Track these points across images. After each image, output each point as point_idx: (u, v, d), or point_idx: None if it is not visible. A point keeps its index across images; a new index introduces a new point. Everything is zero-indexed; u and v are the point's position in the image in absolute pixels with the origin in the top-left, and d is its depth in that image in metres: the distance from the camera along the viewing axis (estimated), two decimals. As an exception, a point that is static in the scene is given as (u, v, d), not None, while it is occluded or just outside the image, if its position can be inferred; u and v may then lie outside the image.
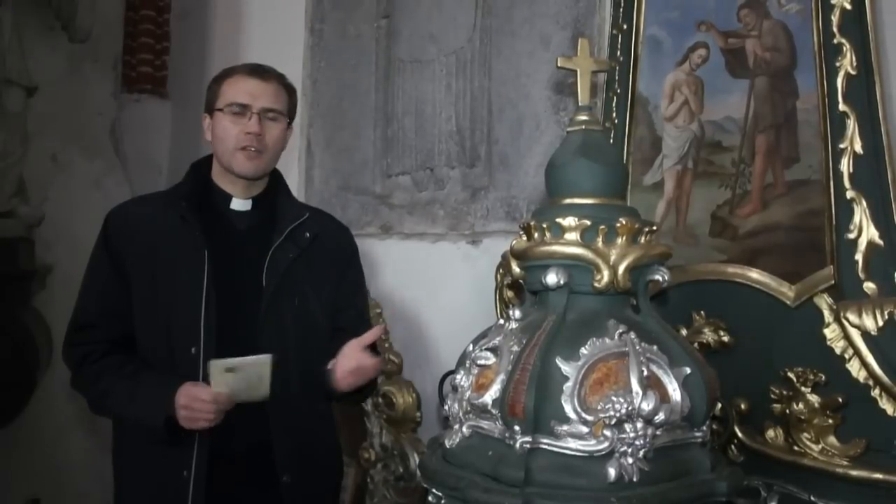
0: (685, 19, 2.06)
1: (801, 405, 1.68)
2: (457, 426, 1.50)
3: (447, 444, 1.51)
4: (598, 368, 1.36)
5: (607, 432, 1.32)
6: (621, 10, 2.19)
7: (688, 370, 1.41)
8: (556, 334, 1.41)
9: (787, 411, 1.70)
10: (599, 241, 1.48)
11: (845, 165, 1.69)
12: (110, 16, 3.50)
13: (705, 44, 2.02)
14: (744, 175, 1.91)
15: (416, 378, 2.58)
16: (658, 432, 1.35)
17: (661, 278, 1.52)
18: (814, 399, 1.67)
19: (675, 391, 1.38)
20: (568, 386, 1.35)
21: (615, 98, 2.18)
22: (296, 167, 3.15)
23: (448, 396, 1.55)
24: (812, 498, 1.66)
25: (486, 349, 1.49)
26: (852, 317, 1.63)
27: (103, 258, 1.85)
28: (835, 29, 1.73)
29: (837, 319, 1.66)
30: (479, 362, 1.47)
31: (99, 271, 1.86)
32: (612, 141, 2.12)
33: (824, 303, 1.72)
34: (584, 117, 1.62)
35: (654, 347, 1.41)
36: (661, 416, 1.33)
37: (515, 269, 1.66)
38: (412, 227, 2.81)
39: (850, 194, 1.68)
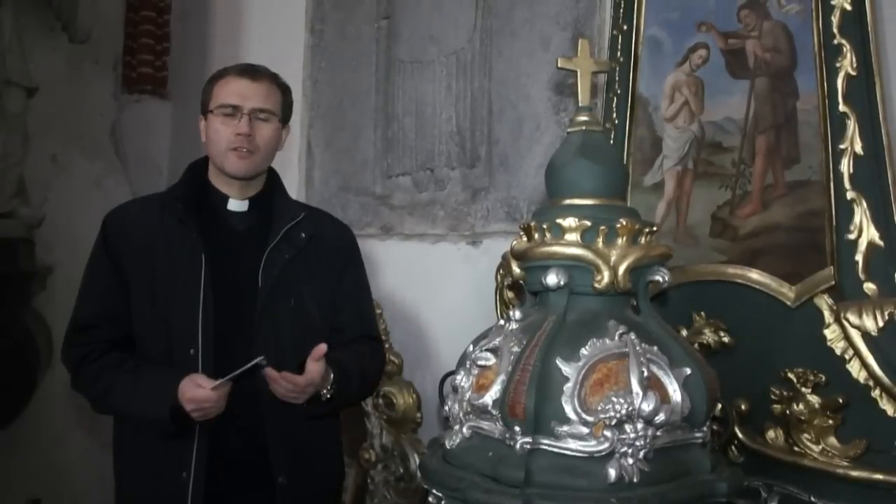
0: (685, 20, 2.06)
1: (801, 406, 1.68)
2: (457, 427, 1.49)
3: (447, 444, 1.51)
4: (598, 369, 1.36)
5: (607, 433, 1.31)
6: (621, 10, 2.19)
7: (688, 371, 1.41)
8: (557, 335, 1.40)
9: (788, 412, 1.70)
10: (600, 242, 1.48)
11: (845, 166, 1.69)
12: (110, 16, 3.50)
13: (705, 44, 2.02)
14: (744, 176, 1.91)
15: (417, 379, 2.58)
16: (658, 433, 1.34)
17: (661, 279, 1.52)
18: (814, 400, 1.67)
19: (675, 392, 1.37)
20: (568, 386, 1.34)
21: (615, 99, 2.18)
22: (296, 168, 3.15)
23: (448, 397, 1.55)
24: (812, 499, 1.66)
25: (487, 350, 1.48)
26: (852, 317, 1.63)
27: (102, 259, 1.85)
28: (835, 30, 1.73)
29: (838, 320, 1.66)
30: (480, 363, 1.47)
31: (98, 272, 1.86)
32: (612, 142, 2.12)
33: (824, 303, 1.72)
34: (584, 118, 1.61)
35: (655, 348, 1.41)
36: (661, 417, 1.33)
37: (516, 269, 1.66)
38: (412, 228, 2.81)
39: (850, 195, 1.68)
